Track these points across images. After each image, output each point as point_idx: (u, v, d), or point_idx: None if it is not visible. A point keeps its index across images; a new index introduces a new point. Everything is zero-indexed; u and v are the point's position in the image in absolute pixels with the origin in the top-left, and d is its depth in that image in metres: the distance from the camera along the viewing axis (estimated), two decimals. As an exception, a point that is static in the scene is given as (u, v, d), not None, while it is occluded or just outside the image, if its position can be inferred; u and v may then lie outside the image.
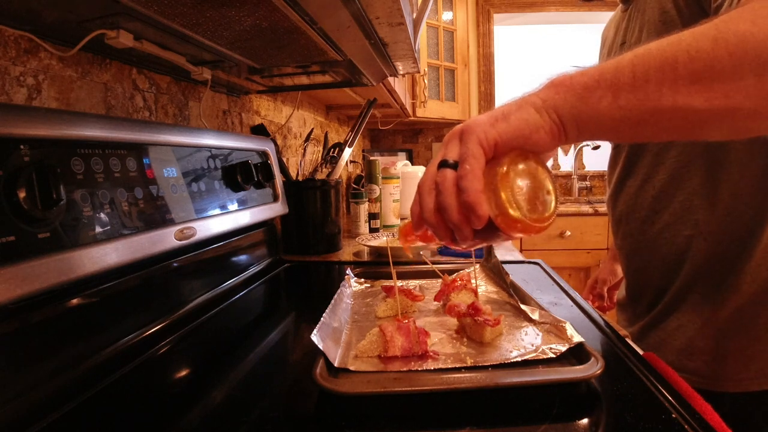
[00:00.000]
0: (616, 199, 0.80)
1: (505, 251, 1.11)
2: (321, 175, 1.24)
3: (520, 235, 0.37)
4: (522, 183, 0.37)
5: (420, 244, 0.45)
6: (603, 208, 2.16)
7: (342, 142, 1.25)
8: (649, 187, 0.72)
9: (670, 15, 0.62)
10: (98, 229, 0.47)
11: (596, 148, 2.59)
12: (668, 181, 0.69)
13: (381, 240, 1.13)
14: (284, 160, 1.22)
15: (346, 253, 1.13)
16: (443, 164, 0.38)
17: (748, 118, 0.35)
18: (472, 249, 0.42)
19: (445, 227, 0.38)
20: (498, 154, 0.37)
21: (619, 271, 1.06)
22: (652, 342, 0.74)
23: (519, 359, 0.46)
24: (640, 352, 0.51)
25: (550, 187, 0.38)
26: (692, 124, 0.36)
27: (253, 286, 0.83)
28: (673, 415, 0.38)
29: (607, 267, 1.10)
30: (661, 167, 0.69)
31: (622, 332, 0.59)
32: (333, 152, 1.26)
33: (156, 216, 0.57)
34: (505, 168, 0.36)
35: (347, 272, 0.78)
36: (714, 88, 0.33)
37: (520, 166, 0.37)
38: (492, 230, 0.37)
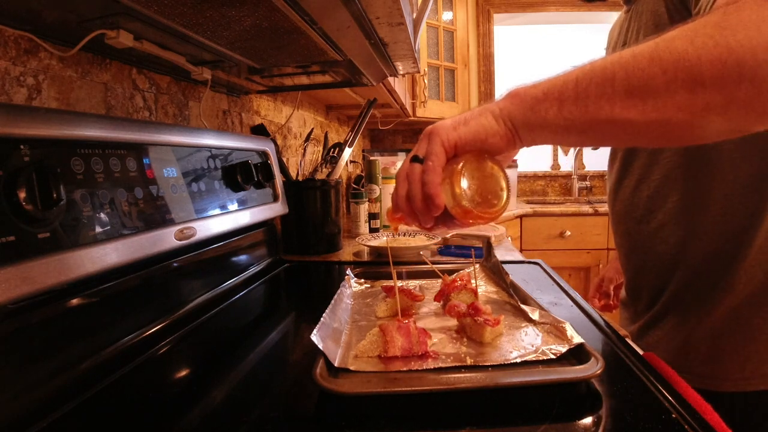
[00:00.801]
0: (615, 198, 0.81)
1: (505, 251, 1.12)
2: (321, 175, 1.24)
3: (471, 222, 0.43)
4: (474, 178, 0.43)
5: (402, 225, 0.52)
6: (603, 208, 2.16)
7: (342, 142, 1.25)
8: (644, 187, 0.72)
9: (662, 18, 0.64)
10: (98, 229, 0.47)
11: (596, 148, 2.59)
12: (662, 182, 0.69)
13: (381, 240, 1.13)
14: (284, 160, 1.22)
15: (346, 253, 1.13)
16: (414, 159, 0.44)
17: (680, 128, 0.38)
18: (435, 232, 0.53)
19: (413, 212, 0.45)
20: (458, 153, 0.43)
21: None
22: (651, 341, 0.74)
23: (519, 359, 0.46)
24: (640, 352, 0.51)
25: (503, 184, 0.45)
26: (629, 133, 0.40)
27: (253, 286, 0.83)
28: (673, 415, 0.38)
29: (613, 266, 1.10)
30: (655, 167, 0.70)
31: (622, 332, 0.59)
32: (333, 152, 1.26)
33: (156, 216, 0.57)
34: (460, 166, 0.42)
35: (347, 272, 0.78)
36: (647, 103, 0.36)
37: (475, 165, 0.43)
38: (450, 217, 0.44)
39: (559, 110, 0.40)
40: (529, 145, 0.44)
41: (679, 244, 0.69)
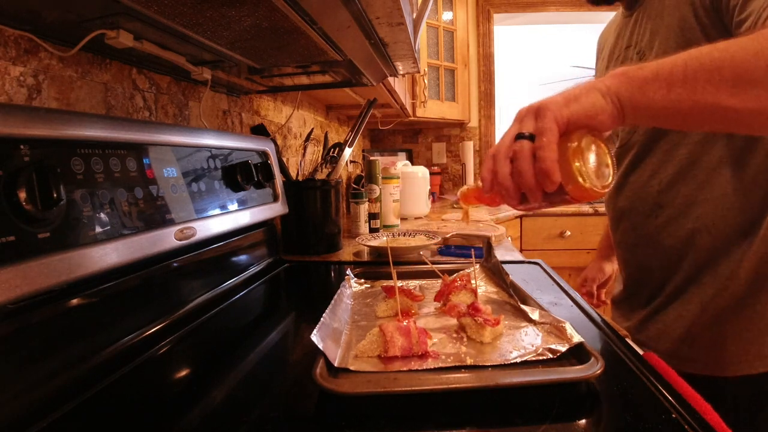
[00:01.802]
0: (618, 195, 0.82)
1: (504, 251, 1.12)
2: (321, 175, 1.24)
3: (582, 199, 0.43)
4: (589, 156, 0.43)
5: (477, 206, 0.54)
6: (603, 208, 2.16)
7: (342, 142, 1.25)
8: (654, 183, 0.75)
9: (688, 23, 0.66)
10: (98, 229, 0.47)
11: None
12: (675, 177, 0.72)
13: (381, 240, 1.13)
14: (284, 160, 1.22)
15: (346, 253, 1.13)
16: (520, 136, 0.44)
17: None
18: (535, 209, 0.53)
19: (517, 190, 0.44)
20: (568, 130, 0.43)
21: (607, 269, 1.10)
22: (652, 334, 0.77)
23: (519, 359, 0.46)
24: (640, 352, 0.51)
25: (609, 161, 0.45)
26: (728, 119, 0.43)
27: (253, 286, 0.83)
28: (673, 415, 0.38)
29: (595, 265, 1.13)
30: (669, 164, 0.72)
31: (622, 332, 0.59)
32: (333, 152, 1.26)
33: (156, 216, 0.57)
34: (576, 143, 0.42)
35: (347, 272, 0.78)
36: (748, 92, 0.40)
37: (588, 142, 0.43)
38: (558, 194, 0.44)
39: (668, 92, 0.42)
40: (630, 123, 0.46)
41: (687, 238, 0.71)
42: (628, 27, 0.81)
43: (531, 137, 0.43)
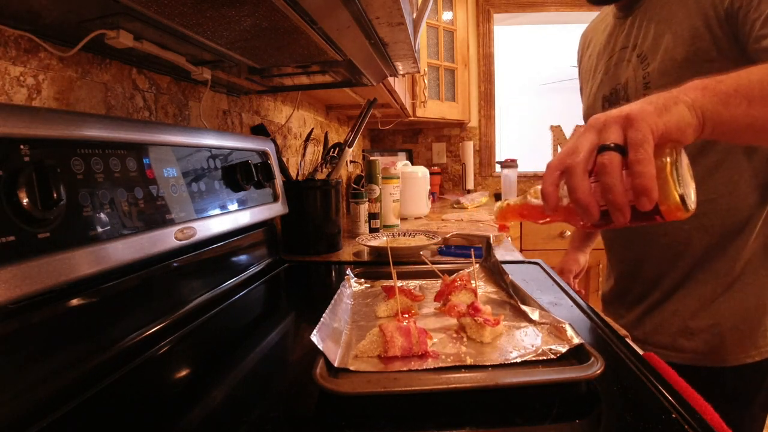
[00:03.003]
0: None
1: (504, 251, 1.12)
2: (321, 175, 1.24)
3: (672, 218, 0.40)
4: (683, 173, 0.40)
5: (513, 222, 0.50)
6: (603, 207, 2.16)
7: (342, 142, 1.25)
8: None
9: (700, 32, 0.66)
10: (98, 229, 0.47)
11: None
12: None
13: (381, 240, 1.13)
14: (284, 160, 1.22)
15: (346, 253, 1.13)
16: (606, 148, 0.40)
17: None
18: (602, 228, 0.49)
19: (598, 207, 0.41)
20: (660, 143, 0.40)
21: (582, 260, 1.15)
22: (648, 329, 0.79)
23: (519, 359, 0.46)
24: (640, 352, 0.51)
25: (691, 178, 0.42)
26: None
27: (253, 286, 0.83)
28: (673, 415, 0.38)
29: (570, 257, 1.17)
30: None
31: (622, 332, 0.59)
32: (333, 152, 1.26)
33: (156, 216, 0.57)
34: (672, 159, 0.39)
35: (347, 272, 0.78)
36: None
37: (681, 158, 0.40)
38: (647, 213, 0.39)
39: (748, 108, 0.43)
40: (705, 138, 0.44)
41: (684, 237, 0.73)
42: (623, 28, 0.81)
43: (620, 149, 0.39)
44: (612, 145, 0.39)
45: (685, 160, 0.42)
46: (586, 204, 0.40)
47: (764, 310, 0.71)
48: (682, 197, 0.39)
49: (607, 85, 0.85)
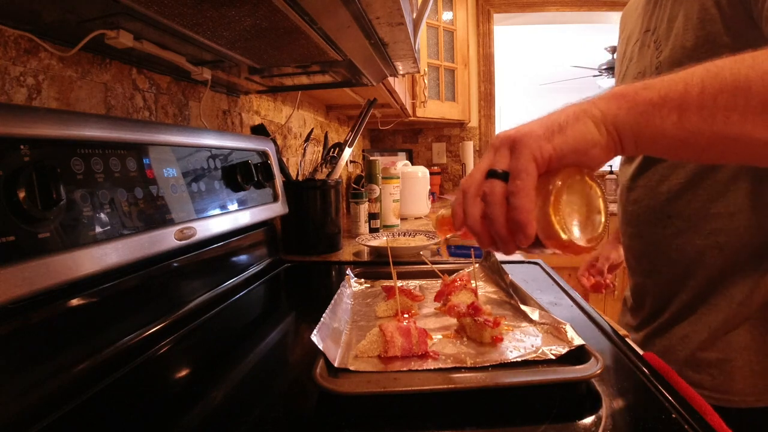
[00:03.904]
0: (627, 197, 0.76)
1: (505, 251, 1.11)
2: (321, 175, 1.24)
3: (564, 253, 0.36)
4: (573, 204, 0.36)
5: (451, 236, 0.45)
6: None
7: (342, 142, 1.25)
8: (663, 189, 0.68)
9: (710, 13, 0.58)
10: (98, 229, 0.47)
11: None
12: (685, 185, 0.64)
13: (381, 240, 1.13)
14: (284, 160, 1.22)
15: (346, 253, 1.13)
16: (492, 174, 0.36)
17: None
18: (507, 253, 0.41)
19: (489, 235, 0.37)
20: (550, 169, 0.35)
21: (621, 252, 0.95)
22: (657, 349, 0.71)
23: (519, 359, 0.46)
24: (640, 352, 0.51)
25: (601, 206, 0.37)
26: (759, 155, 0.36)
27: (253, 286, 0.83)
28: (673, 415, 0.38)
29: (609, 246, 1.05)
30: (680, 169, 0.65)
31: (622, 332, 0.59)
32: (333, 152, 1.26)
33: (156, 216, 0.57)
34: (557, 188, 0.34)
35: (347, 272, 0.78)
36: None
37: (573, 186, 0.36)
38: (536, 245, 0.36)
39: (680, 119, 0.34)
40: (629, 155, 0.37)
41: (696, 254, 0.65)
42: (649, 8, 0.71)
43: (504, 176, 0.36)
44: (499, 171, 0.36)
45: (585, 185, 0.37)
46: (475, 231, 0.38)
47: None
48: (564, 231, 0.35)
49: (632, 72, 0.75)
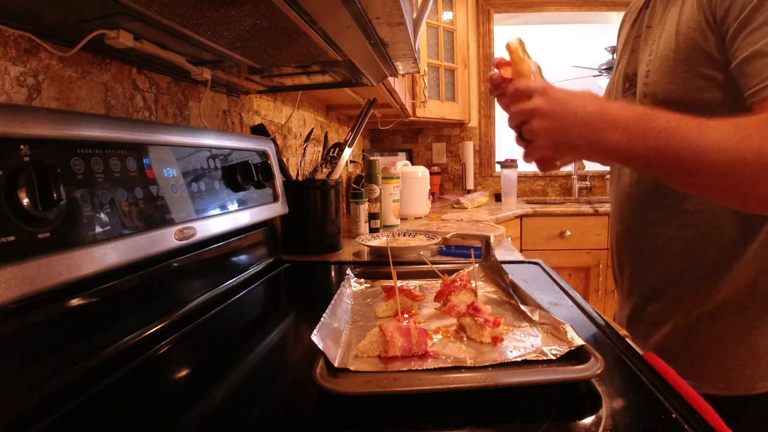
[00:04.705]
0: (616, 185, 0.80)
1: (505, 251, 1.12)
2: (321, 175, 1.24)
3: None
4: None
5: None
6: (603, 208, 2.16)
7: (342, 142, 1.25)
8: (644, 180, 0.72)
9: (696, 19, 0.60)
10: (98, 229, 0.47)
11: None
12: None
13: (381, 240, 1.13)
14: (284, 160, 1.22)
15: (346, 253, 1.13)
16: (518, 127, 0.59)
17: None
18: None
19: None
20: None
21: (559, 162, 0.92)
22: (632, 333, 0.75)
23: (519, 359, 0.46)
24: (640, 352, 0.51)
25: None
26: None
27: (253, 286, 0.83)
28: (673, 415, 0.38)
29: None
30: None
31: (622, 332, 0.59)
32: (333, 152, 1.26)
33: (156, 216, 0.57)
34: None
35: (347, 272, 0.78)
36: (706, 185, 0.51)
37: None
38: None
39: (636, 167, 0.63)
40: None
41: (665, 244, 0.69)
42: (649, 3, 0.74)
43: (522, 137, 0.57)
44: (522, 133, 0.58)
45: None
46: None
47: (739, 347, 0.64)
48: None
49: (631, 63, 0.76)
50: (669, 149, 0.48)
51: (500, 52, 2.85)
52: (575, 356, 0.46)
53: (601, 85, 3.47)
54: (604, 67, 3.24)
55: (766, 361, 0.64)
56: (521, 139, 0.57)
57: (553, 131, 0.53)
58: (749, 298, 0.63)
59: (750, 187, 0.47)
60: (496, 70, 0.63)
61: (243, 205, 0.80)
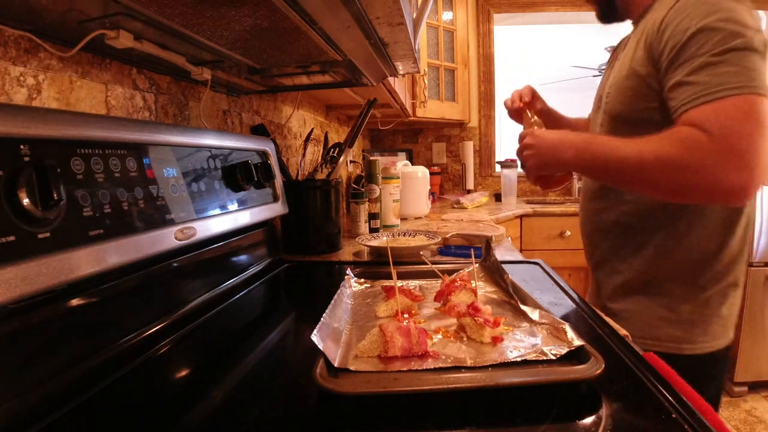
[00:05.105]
0: (584, 179, 0.99)
1: (504, 251, 1.12)
2: (321, 175, 1.24)
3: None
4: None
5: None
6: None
7: (342, 142, 1.25)
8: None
9: (640, 53, 0.77)
10: (98, 230, 0.47)
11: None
12: None
13: (381, 240, 1.13)
14: (284, 160, 1.22)
15: (346, 253, 1.13)
16: (521, 150, 0.88)
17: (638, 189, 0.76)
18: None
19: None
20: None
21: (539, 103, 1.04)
22: (617, 309, 0.88)
23: (519, 359, 0.46)
24: (640, 352, 0.51)
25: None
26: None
27: (253, 286, 0.83)
28: (673, 415, 0.38)
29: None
30: None
31: (622, 332, 0.59)
32: (333, 152, 1.26)
33: (156, 216, 0.57)
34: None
35: (347, 272, 0.78)
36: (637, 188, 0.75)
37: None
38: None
39: (591, 175, 0.83)
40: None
41: (608, 226, 0.87)
42: (630, 34, 0.89)
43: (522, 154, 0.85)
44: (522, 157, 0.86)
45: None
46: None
47: (665, 312, 0.79)
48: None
49: (602, 85, 0.94)
50: (601, 160, 0.72)
51: (500, 52, 2.86)
52: (575, 356, 0.46)
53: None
54: (604, 67, 3.24)
55: (689, 325, 0.77)
56: (523, 165, 0.86)
57: (535, 156, 0.82)
58: (671, 270, 0.79)
59: (654, 180, 0.67)
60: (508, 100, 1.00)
61: (243, 205, 0.80)
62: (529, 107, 0.97)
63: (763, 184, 0.67)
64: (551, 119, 1.05)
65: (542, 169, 0.82)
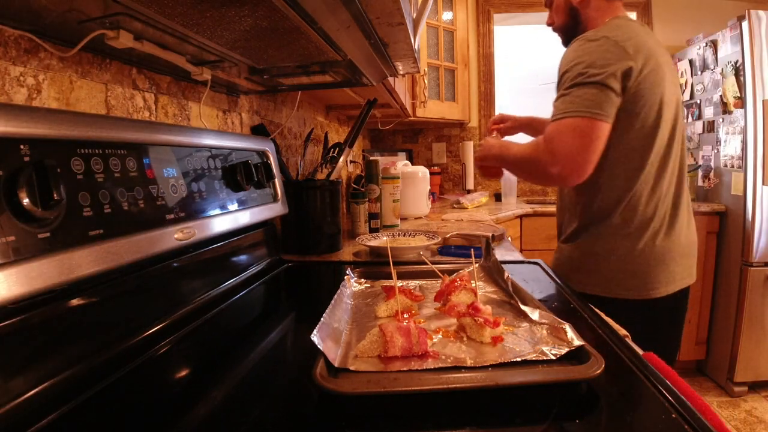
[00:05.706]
0: None
1: (504, 251, 1.12)
2: (321, 175, 1.24)
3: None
4: None
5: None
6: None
7: (342, 142, 1.25)
8: None
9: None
10: (98, 229, 0.47)
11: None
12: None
13: (381, 240, 1.13)
14: (284, 160, 1.22)
15: (346, 253, 1.13)
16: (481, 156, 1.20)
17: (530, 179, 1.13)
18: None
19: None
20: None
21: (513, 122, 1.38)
22: (560, 257, 1.13)
23: (519, 359, 0.46)
24: (640, 352, 0.51)
25: None
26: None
27: (253, 286, 0.83)
28: (673, 415, 0.38)
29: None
30: None
31: (622, 332, 0.59)
32: (333, 152, 1.26)
33: (156, 216, 0.57)
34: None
35: (347, 272, 0.78)
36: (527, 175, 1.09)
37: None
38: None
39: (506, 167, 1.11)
40: None
41: (576, 209, 1.07)
42: None
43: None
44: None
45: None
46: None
47: (605, 263, 1.01)
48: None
49: None
50: (505, 157, 1.07)
51: (500, 52, 2.86)
52: (575, 356, 0.46)
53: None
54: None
55: (620, 274, 0.99)
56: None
57: (479, 152, 1.15)
58: (601, 232, 1.02)
59: (524, 171, 1.06)
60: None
61: (243, 205, 0.80)
62: (497, 129, 1.34)
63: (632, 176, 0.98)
64: (524, 125, 1.36)
65: (482, 161, 1.14)
